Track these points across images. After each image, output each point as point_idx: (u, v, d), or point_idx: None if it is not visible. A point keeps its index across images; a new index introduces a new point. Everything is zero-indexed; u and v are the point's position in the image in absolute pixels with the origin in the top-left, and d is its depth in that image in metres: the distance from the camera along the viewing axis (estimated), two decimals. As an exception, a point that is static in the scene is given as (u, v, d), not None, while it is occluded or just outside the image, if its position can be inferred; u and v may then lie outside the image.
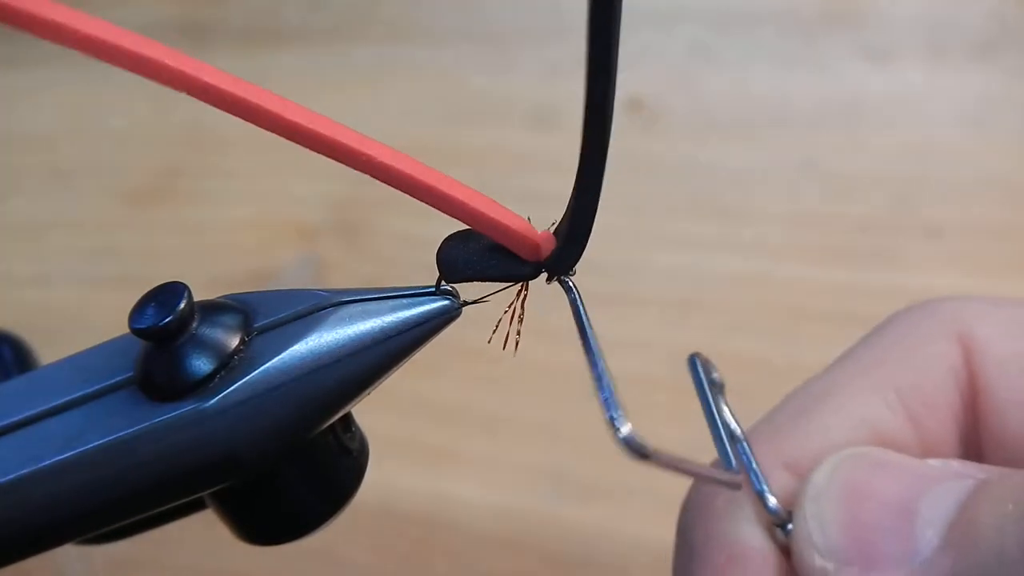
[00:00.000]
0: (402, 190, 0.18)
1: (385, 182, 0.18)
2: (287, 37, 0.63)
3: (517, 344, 0.21)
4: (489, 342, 0.21)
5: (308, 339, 0.19)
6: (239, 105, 0.17)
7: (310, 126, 0.18)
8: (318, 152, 0.18)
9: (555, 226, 0.21)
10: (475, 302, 0.21)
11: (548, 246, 0.20)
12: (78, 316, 0.51)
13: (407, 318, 0.20)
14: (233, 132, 0.57)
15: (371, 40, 0.61)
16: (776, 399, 0.42)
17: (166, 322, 0.18)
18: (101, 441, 0.18)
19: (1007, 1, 0.52)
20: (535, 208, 0.21)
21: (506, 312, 0.21)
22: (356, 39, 0.61)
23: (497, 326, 0.21)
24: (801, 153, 0.49)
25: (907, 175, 0.47)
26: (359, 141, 0.18)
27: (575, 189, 0.19)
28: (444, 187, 0.19)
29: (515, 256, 0.20)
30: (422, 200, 0.19)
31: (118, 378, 0.20)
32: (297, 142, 0.18)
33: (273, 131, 0.17)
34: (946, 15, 0.52)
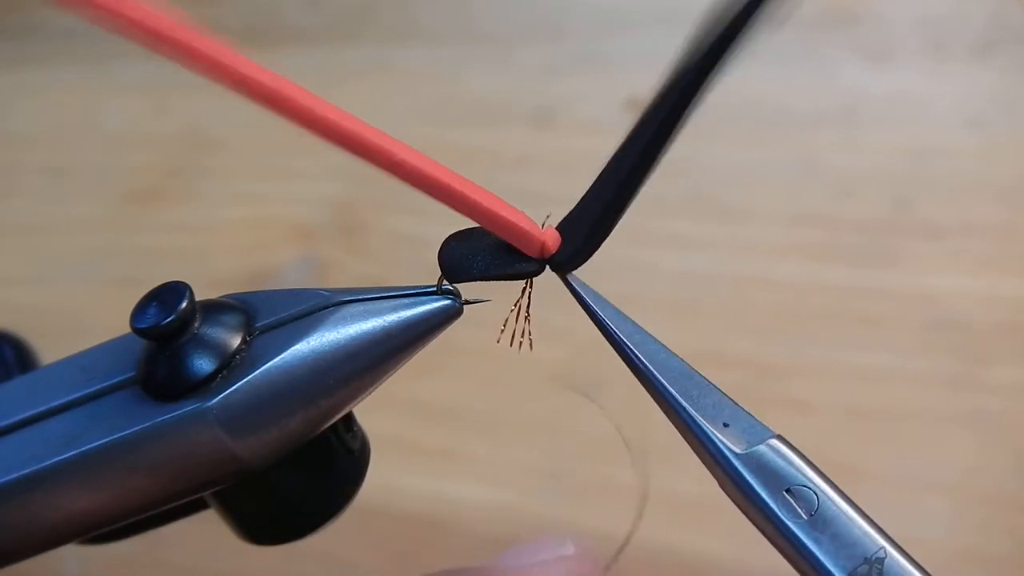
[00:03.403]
0: (418, 188, 0.19)
1: (403, 179, 0.19)
2: (286, 37, 0.63)
3: (531, 342, 0.21)
4: (498, 341, 0.21)
5: (310, 338, 0.19)
6: (271, 98, 0.17)
7: (337, 122, 0.18)
8: (341, 148, 0.18)
9: (548, 222, 0.21)
10: (476, 301, 0.21)
11: (553, 244, 0.20)
12: (78, 316, 0.51)
13: (408, 317, 0.20)
14: (233, 132, 0.57)
15: (370, 40, 0.61)
16: (776, 399, 0.42)
17: (168, 322, 0.18)
18: (103, 441, 0.18)
19: (1007, 1, 0.52)
20: (535, 208, 0.21)
21: (512, 311, 0.21)
22: (355, 39, 0.61)
23: (505, 325, 0.21)
24: (801, 153, 0.49)
25: (907, 175, 0.47)
26: (381, 139, 0.18)
27: (607, 195, 0.19)
28: (459, 186, 0.19)
29: (520, 254, 0.20)
30: (437, 198, 0.19)
31: (120, 378, 0.20)
32: (323, 138, 0.18)
33: (301, 126, 0.18)
34: (946, 15, 0.52)
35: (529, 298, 0.21)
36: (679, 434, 0.21)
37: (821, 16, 0.54)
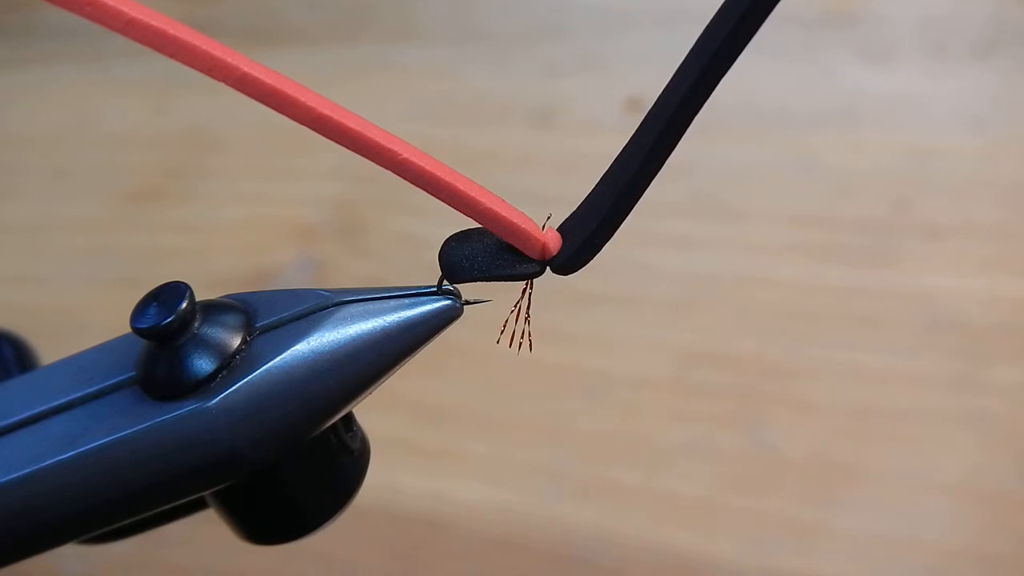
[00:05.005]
0: (421, 186, 0.19)
1: (404, 177, 0.19)
2: (286, 37, 0.63)
3: (531, 343, 0.21)
4: (497, 342, 0.21)
5: (310, 339, 0.19)
6: (274, 96, 0.17)
7: (340, 119, 0.18)
8: (344, 146, 0.18)
9: (549, 223, 0.21)
10: (476, 302, 0.21)
11: (554, 245, 0.20)
12: (78, 316, 0.51)
13: (409, 318, 0.20)
14: (233, 132, 0.57)
15: (370, 40, 0.61)
16: (776, 399, 0.42)
17: (168, 322, 0.18)
18: (103, 440, 0.18)
19: (1007, 1, 0.52)
20: (534, 208, 0.21)
21: (512, 311, 0.21)
22: (355, 39, 0.61)
23: (504, 326, 0.21)
24: (801, 153, 0.49)
25: (907, 175, 0.47)
26: (384, 137, 0.18)
27: (611, 197, 0.19)
28: (461, 185, 0.19)
29: (521, 255, 0.20)
30: (439, 197, 0.19)
31: (120, 378, 0.20)
32: (326, 135, 0.18)
33: (304, 123, 0.18)
34: (946, 15, 0.52)
35: (529, 299, 0.21)
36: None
37: (821, 16, 0.54)
